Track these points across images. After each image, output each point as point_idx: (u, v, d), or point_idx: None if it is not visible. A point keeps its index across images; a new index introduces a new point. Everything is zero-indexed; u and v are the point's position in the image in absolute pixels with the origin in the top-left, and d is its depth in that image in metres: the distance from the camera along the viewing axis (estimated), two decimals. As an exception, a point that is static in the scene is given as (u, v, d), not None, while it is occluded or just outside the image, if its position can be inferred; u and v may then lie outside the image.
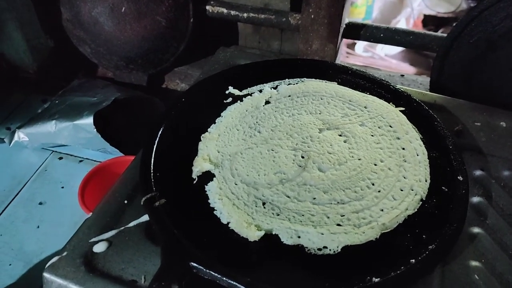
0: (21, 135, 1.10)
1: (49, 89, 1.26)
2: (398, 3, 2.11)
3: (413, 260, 0.53)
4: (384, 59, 2.00)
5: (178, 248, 0.54)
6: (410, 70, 1.86)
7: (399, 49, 2.01)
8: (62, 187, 1.04)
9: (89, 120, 1.01)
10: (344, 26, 1.07)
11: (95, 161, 1.09)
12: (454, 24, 0.92)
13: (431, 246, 0.55)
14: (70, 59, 1.29)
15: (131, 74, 1.22)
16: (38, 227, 0.95)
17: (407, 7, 2.09)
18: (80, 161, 1.10)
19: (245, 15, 1.10)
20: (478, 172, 0.71)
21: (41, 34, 1.27)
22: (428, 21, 2.07)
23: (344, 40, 2.02)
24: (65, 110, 1.08)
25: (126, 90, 1.15)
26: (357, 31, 1.07)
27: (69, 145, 1.09)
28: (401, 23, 2.05)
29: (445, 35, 0.97)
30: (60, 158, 1.11)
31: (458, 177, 0.63)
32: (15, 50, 1.28)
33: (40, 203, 1.00)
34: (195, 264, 0.52)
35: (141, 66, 1.20)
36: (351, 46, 2.05)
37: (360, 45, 2.03)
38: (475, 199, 0.67)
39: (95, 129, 1.00)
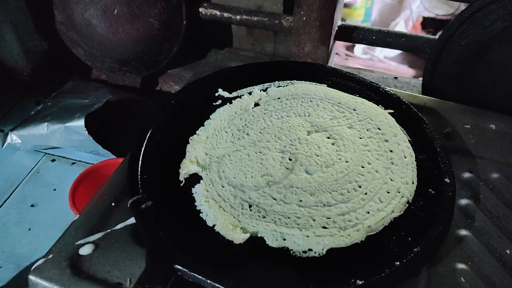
0: (13, 137, 1.10)
1: (43, 91, 1.26)
2: (397, 5, 2.11)
3: (398, 263, 0.53)
4: (383, 61, 2.00)
5: (163, 250, 0.54)
6: (409, 72, 1.86)
7: (398, 51, 2.01)
8: (54, 189, 1.04)
9: (81, 123, 1.01)
10: (337, 28, 1.07)
11: (87, 163, 1.09)
12: (445, 27, 0.92)
13: (416, 249, 0.55)
14: (64, 61, 1.29)
15: (125, 76, 1.22)
16: (30, 229, 0.95)
17: (406, 9, 2.09)
18: (73, 163, 1.10)
19: (238, 17, 1.10)
20: (466, 175, 0.71)
21: (35, 36, 1.27)
22: (427, 23, 2.07)
23: (344, 42, 2.03)
24: (57, 113, 1.08)
25: (119, 92, 1.15)
26: (350, 34, 1.07)
27: (62, 147, 1.09)
28: (400, 25, 2.06)
29: (436, 37, 0.97)
30: (53, 160, 1.11)
31: (445, 179, 0.63)
32: (9, 52, 1.28)
33: (32, 205, 1.00)
34: (179, 267, 0.52)
35: (135, 68, 1.20)
36: (350, 48, 2.05)
37: (359, 47, 2.03)
38: (463, 202, 0.67)
39: (86, 132, 1.00)
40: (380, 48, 2.02)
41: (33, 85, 1.31)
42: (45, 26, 1.25)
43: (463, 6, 1.97)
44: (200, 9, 1.13)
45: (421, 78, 1.00)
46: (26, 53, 1.28)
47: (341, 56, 2.00)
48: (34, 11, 1.23)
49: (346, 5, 2.00)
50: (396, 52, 2.02)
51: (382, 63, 1.99)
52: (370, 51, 2.02)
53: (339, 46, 2.03)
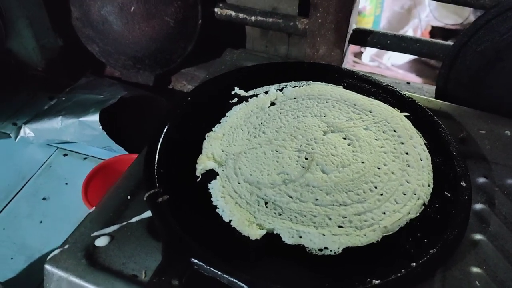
0: (27, 131, 1.10)
1: (56, 87, 1.27)
2: (406, 13, 2.12)
3: (414, 264, 0.53)
4: (391, 69, 2.00)
5: (179, 244, 0.54)
6: (416, 81, 1.86)
7: (405, 59, 2.01)
8: (66, 184, 1.04)
9: (95, 117, 1.01)
10: (351, 31, 1.07)
11: (99, 158, 1.09)
12: (462, 33, 0.92)
13: (432, 250, 0.55)
14: (78, 57, 1.30)
15: (138, 74, 1.23)
16: (41, 222, 0.96)
17: (415, 18, 2.09)
18: (85, 158, 1.10)
19: (252, 18, 1.11)
20: (481, 180, 0.71)
21: (51, 32, 1.28)
22: (436, 32, 2.07)
23: (351, 49, 2.03)
24: (72, 107, 1.08)
25: (133, 89, 1.16)
26: (364, 37, 1.07)
27: (74, 142, 1.10)
28: (409, 34, 2.06)
29: (451, 43, 0.97)
30: (65, 155, 1.11)
31: (461, 183, 0.63)
32: (24, 47, 1.29)
33: (44, 199, 1.01)
34: (196, 261, 0.52)
35: (148, 66, 1.21)
36: (358, 55, 2.06)
37: (367, 54, 2.04)
38: (478, 206, 0.67)
39: (100, 126, 1.01)
40: (388, 56, 2.03)
41: (46, 81, 1.32)
42: (61, 22, 1.25)
43: (472, 16, 1.98)
44: (216, 9, 1.14)
45: (433, 85, 1.00)
46: (41, 49, 1.29)
47: (349, 63, 2.00)
48: (50, 7, 1.24)
49: (355, 12, 2.01)
50: (403, 60, 2.02)
51: (390, 71, 1.99)
52: (377, 59, 2.02)
53: (347, 53, 2.03)
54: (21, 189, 1.03)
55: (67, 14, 1.21)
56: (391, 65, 2.01)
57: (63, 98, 1.15)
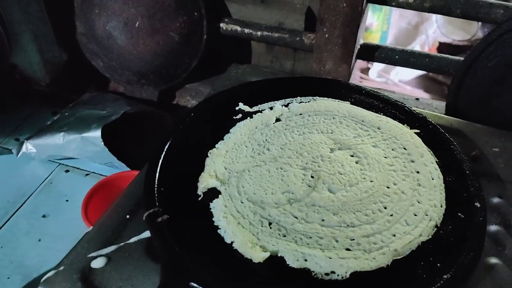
0: (29, 146, 1.09)
1: (60, 102, 1.26)
2: (413, 30, 2.10)
3: (427, 290, 0.50)
4: (398, 85, 1.98)
5: (178, 266, 0.52)
6: (424, 97, 1.84)
7: (413, 75, 1.99)
8: (67, 200, 1.02)
9: (97, 133, 1.00)
10: (359, 47, 1.06)
11: (101, 175, 1.07)
12: (472, 48, 0.90)
13: (446, 276, 0.52)
14: (83, 72, 1.29)
15: (142, 89, 1.21)
16: (40, 240, 0.93)
17: (422, 34, 2.07)
18: (87, 174, 1.08)
19: (258, 33, 1.10)
20: (496, 200, 0.67)
21: (55, 47, 1.27)
22: (443, 48, 2.05)
23: (358, 65, 2.01)
24: (74, 123, 1.07)
25: (136, 105, 1.14)
26: (372, 53, 1.06)
27: (76, 158, 1.08)
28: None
29: (462, 58, 0.95)
30: (67, 171, 1.09)
31: (475, 204, 0.60)
32: (28, 62, 1.29)
33: (44, 216, 0.99)
34: (195, 285, 0.50)
35: (153, 81, 1.20)
36: (365, 71, 2.04)
37: (374, 70, 2.02)
38: (493, 228, 0.63)
39: (102, 142, 0.99)
40: (395, 72, 2.01)
41: (50, 96, 1.31)
42: (66, 37, 1.25)
43: (480, 32, 1.96)
44: (221, 25, 1.13)
45: (442, 101, 0.98)
46: (46, 64, 1.28)
47: (356, 79, 1.98)
48: (55, 22, 1.23)
49: (362, 28, 2.00)
50: (411, 76, 2.00)
51: (397, 86, 1.97)
52: (385, 75, 2.00)
53: (354, 69, 2.01)
54: (21, 206, 1.01)
55: (72, 29, 1.20)
56: (399, 81, 1.99)
57: (66, 114, 1.14)
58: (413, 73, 1.98)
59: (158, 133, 1.12)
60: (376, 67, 2.01)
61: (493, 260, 0.59)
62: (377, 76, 2.01)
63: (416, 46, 2.05)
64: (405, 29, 2.12)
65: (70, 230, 0.94)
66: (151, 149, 0.72)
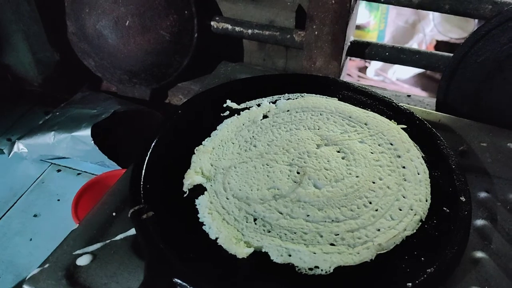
0: (20, 146, 1.09)
1: (53, 102, 1.26)
2: (410, 28, 2.10)
3: (410, 284, 0.50)
4: (396, 83, 1.98)
5: (162, 263, 0.52)
6: (422, 95, 1.84)
7: (410, 73, 1.99)
8: (58, 200, 1.02)
9: (87, 132, 0.99)
10: (349, 44, 1.05)
11: (93, 174, 1.07)
12: (461, 44, 0.90)
13: (429, 270, 0.52)
14: (75, 72, 1.29)
15: (134, 88, 1.21)
16: (31, 239, 0.93)
17: (419, 32, 2.08)
18: (78, 174, 1.08)
19: (249, 31, 1.09)
20: (483, 194, 0.68)
21: (47, 47, 1.27)
22: (441, 47, 2.05)
23: (356, 63, 2.01)
24: (65, 122, 1.07)
25: (127, 103, 1.14)
26: (362, 49, 1.05)
27: (68, 157, 1.08)
28: (413, 48, 2.04)
29: (452, 55, 0.95)
30: (59, 171, 1.09)
31: (461, 198, 0.60)
32: (20, 62, 1.28)
33: (35, 215, 0.98)
34: (179, 281, 0.50)
35: (145, 80, 1.19)
36: (363, 70, 2.04)
37: (372, 69, 2.02)
38: (479, 222, 0.63)
39: (92, 141, 0.99)
40: (393, 70, 2.01)
41: (43, 96, 1.31)
42: (57, 37, 1.25)
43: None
44: (212, 23, 1.12)
45: (434, 98, 0.98)
46: (38, 63, 1.28)
47: (353, 78, 1.98)
48: (46, 22, 1.23)
49: (359, 27, 2.00)
50: (409, 74, 2.00)
51: (395, 85, 1.97)
52: (382, 73, 2.01)
53: (351, 67, 2.01)
54: (13, 205, 1.01)
55: (63, 29, 1.20)
56: (396, 80, 1.99)
57: (57, 113, 1.14)
58: (410, 72, 1.98)
59: (149, 131, 1.12)
60: (374, 66, 2.02)
61: (479, 254, 0.59)
62: (375, 75, 2.01)
63: (413, 45, 2.05)
64: (402, 28, 2.12)
65: (62, 229, 0.93)
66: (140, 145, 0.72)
